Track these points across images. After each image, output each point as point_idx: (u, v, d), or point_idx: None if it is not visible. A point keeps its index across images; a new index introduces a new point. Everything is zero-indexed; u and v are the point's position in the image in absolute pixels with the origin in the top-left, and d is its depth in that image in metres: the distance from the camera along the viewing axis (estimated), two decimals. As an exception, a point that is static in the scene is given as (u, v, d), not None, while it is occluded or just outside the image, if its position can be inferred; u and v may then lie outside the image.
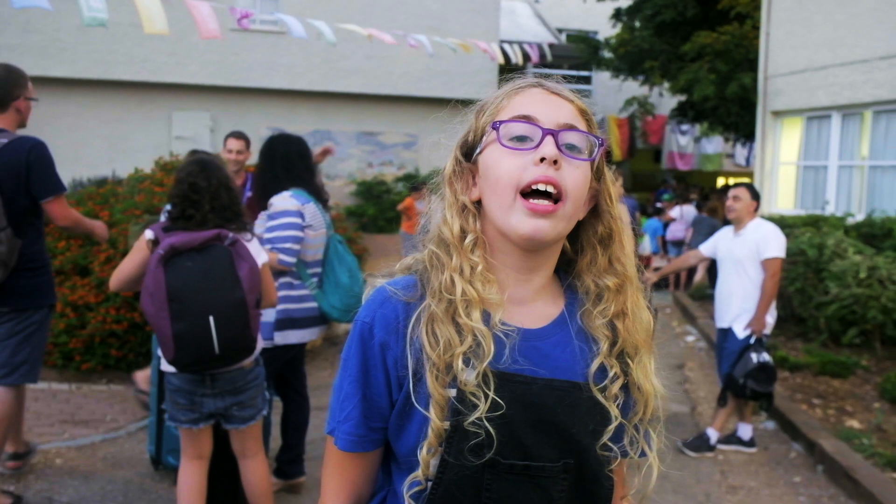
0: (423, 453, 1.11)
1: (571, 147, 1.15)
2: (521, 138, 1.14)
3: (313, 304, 3.93)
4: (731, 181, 22.54)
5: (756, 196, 5.18)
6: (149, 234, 3.03)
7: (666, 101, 18.13)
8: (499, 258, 1.18)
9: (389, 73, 15.09)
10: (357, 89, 15.26)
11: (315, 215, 3.87)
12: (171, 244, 2.86)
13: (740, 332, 5.05)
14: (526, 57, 11.79)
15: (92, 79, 13.96)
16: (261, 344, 3.21)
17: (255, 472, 3.30)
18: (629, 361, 1.20)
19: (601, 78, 19.92)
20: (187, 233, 2.95)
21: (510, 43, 11.48)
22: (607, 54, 16.61)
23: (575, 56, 18.57)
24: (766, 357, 4.94)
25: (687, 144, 20.75)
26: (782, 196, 11.29)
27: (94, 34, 13.66)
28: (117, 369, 6.03)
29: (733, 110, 13.51)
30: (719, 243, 5.33)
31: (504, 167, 1.13)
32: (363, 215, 14.77)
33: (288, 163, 3.92)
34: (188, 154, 4.39)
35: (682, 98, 15.40)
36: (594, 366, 1.17)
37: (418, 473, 1.13)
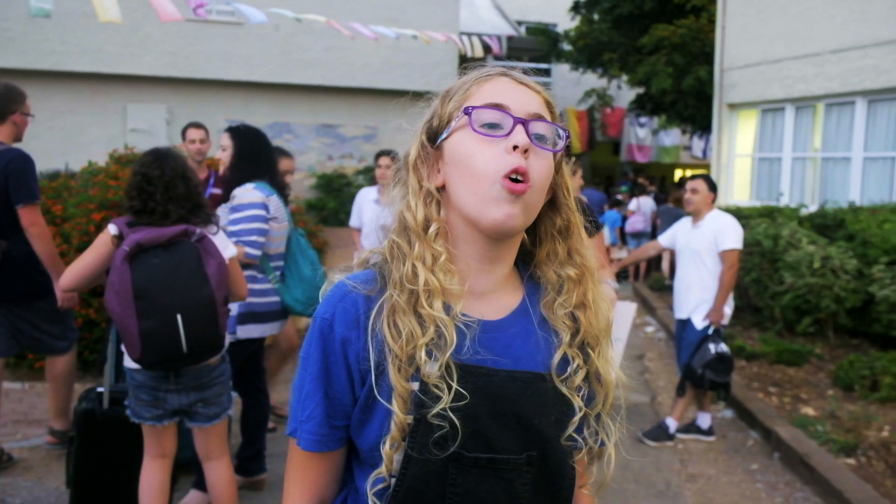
0: (385, 448, 1.09)
1: (540, 137, 1.14)
2: (492, 125, 1.13)
3: (276, 298, 3.90)
4: (689, 173, 22.88)
5: (713, 188, 5.25)
6: (112, 229, 2.94)
7: (624, 93, 18.29)
8: (461, 248, 1.17)
9: (349, 64, 14.96)
10: (316, 81, 15.10)
11: (279, 208, 3.83)
12: (137, 241, 2.78)
13: (699, 322, 5.13)
14: (487, 49, 11.79)
15: (43, 70, 13.58)
16: (227, 340, 3.16)
17: (221, 475, 3.21)
18: (590, 352, 1.20)
19: (560, 70, 20.02)
20: (153, 228, 2.87)
21: (469, 35, 11.46)
22: (566, 47, 16.69)
23: (534, 48, 18.63)
24: (723, 348, 5.02)
25: (645, 137, 20.97)
26: (738, 187, 11.48)
27: (45, 24, 13.29)
28: (72, 367, 5.89)
29: (690, 103, 13.69)
30: (678, 235, 5.40)
31: (479, 154, 1.12)
32: (323, 208, 14.64)
33: (251, 155, 3.86)
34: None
35: (641, 91, 15.55)
36: (557, 356, 1.17)
37: (381, 470, 1.10)
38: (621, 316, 5.00)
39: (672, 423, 5.26)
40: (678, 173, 22.90)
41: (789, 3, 10.19)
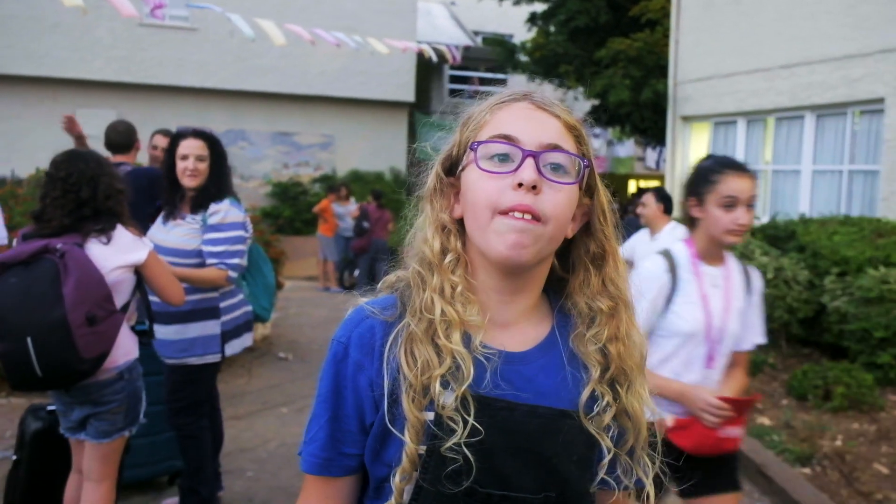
0: (395, 480, 1.06)
1: (556, 167, 1.10)
2: (501, 158, 1.09)
3: (250, 308, 3.83)
4: (643, 183, 23.22)
5: (662, 199, 5.33)
6: (15, 241, 2.86)
7: (580, 104, 18.50)
8: (480, 279, 1.14)
9: (305, 72, 14.85)
10: (272, 88, 14.96)
11: (250, 225, 3.71)
12: (1, 257, 2.70)
13: None
14: (442, 58, 11.80)
15: (-13, 73, 13.23)
16: (120, 361, 2.95)
17: (92, 500, 2.99)
18: (619, 388, 1.15)
19: (517, 80, 20.14)
20: (24, 244, 2.76)
21: (429, 44, 11.46)
22: (523, 58, 16.81)
23: (491, 59, 18.72)
24: None
25: (600, 148, 21.25)
26: (692, 199, 11.66)
27: (-10, 26, 12.95)
28: (18, 382, 5.69)
29: (646, 115, 13.88)
30: (636, 246, 5.45)
31: (481, 190, 1.09)
32: (279, 217, 14.49)
33: (226, 166, 3.67)
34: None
35: (596, 102, 15.72)
36: (585, 393, 1.13)
37: (391, 502, 1.07)
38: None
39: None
40: (632, 184, 23.22)
41: (740, 19, 10.41)
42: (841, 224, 8.01)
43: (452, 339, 1.07)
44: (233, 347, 3.69)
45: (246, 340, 3.80)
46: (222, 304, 3.58)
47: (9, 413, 5.34)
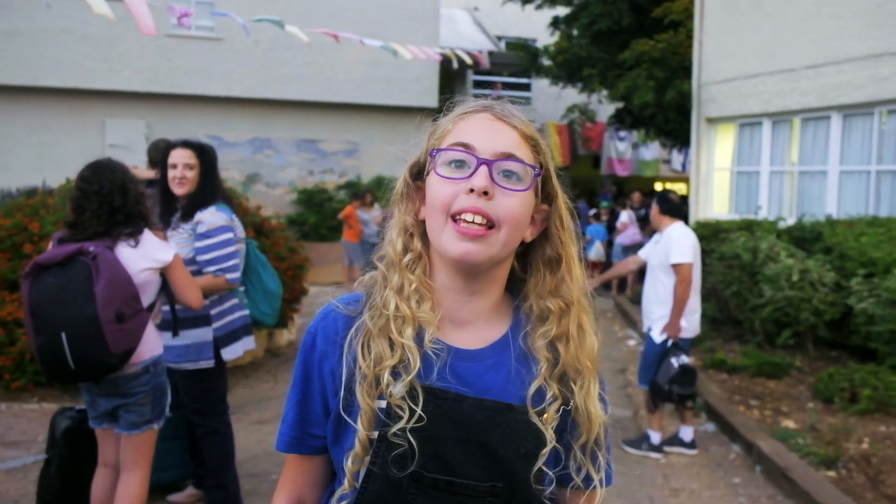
0: (348, 464, 1.15)
1: (509, 175, 1.16)
2: (458, 164, 1.17)
3: (246, 312, 3.90)
4: (669, 186, 23.06)
5: (663, 202, 5.38)
6: (50, 244, 3.05)
7: (605, 107, 18.44)
8: (439, 279, 1.21)
9: (329, 80, 14.97)
10: (296, 96, 15.10)
11: (239, 227, 3.80)
12: (36, 261, 2.92)
13: (657, 336, 5.25)
14: (463, 63, 11.83)
15: (18, 85, 13.49)
16: (145, 356, 3.12)
17: (129, 488, 3.16)
18: (572, 385, 1.20)
19: (541, 85, 20.12)
20: (59, 247, 2.97)
21: (453, 50, 11.51)
22: (546, 62, 16.78)
23: (514, 63, 18.72)
24: (684, 360, 5.11)
25: (625, 150, 21.11)
26: (717, 201, 11.58)
27: (21, 40, 13.22)
28: (49, 387, 5.82)
29: (671, 117, 13.79)
30: (649, 249, 5.54)
31: (438, 193, 1.17)
32: (304, 224, 14.61)
33: (215, 175, 3.79)
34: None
35: (620, 105, 15.66)
36: (532, 388, 1.18)
37: (345, 486, 1.16)
38: None
39: (655, 435, 5.28)
40: (658, 187, 23.07)
41: (764, 20, 10.33)
42: (868, 225, 7.92)
43: (405, 334, 1.15)
44: (231, 352, 3.77)
45: (247, 344, 3.89)
46: (213, 311, 3.67)
47: (41, 418, 5.45)
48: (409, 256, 1.21)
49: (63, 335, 2.85)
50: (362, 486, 1.12)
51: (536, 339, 1.21)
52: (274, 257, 7.05)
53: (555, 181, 1.24)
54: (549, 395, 1.18)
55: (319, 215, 14.84)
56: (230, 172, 13.97)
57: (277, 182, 15.43)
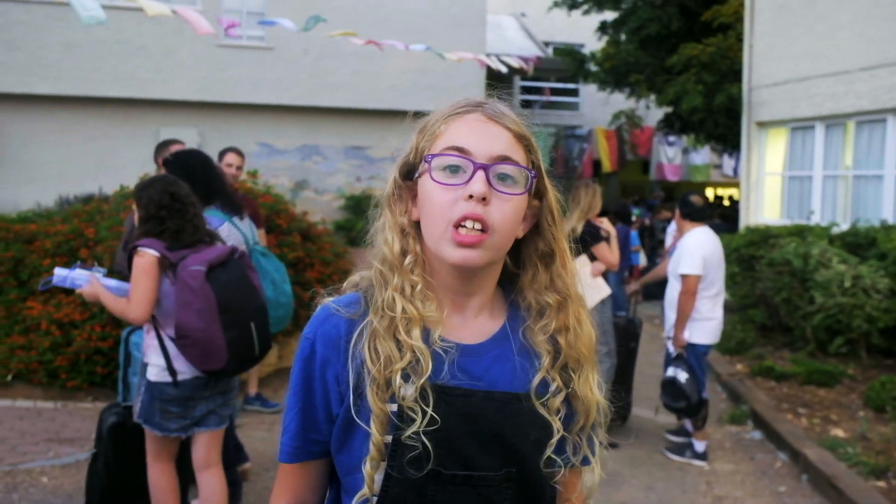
0: (366, 468, 1.14)
1: (504, 178, 1.17)
2: (453, 169, 1.16)
3: None
4: (720, 192, 22.70)
5: (683, 206, 5.36)
6: (153, 252, 3.07)
7: (653, 112, 18.25)
8: (437, 278, 1.22)
9: (376, 87, 15.12)
10: (344, 104, 15.28)
11: (230, 235, 3.84)
12: (209, 260, 3.06)
13: (671, 343, 5.21)
14: (511, 69, 11.83)
15: (77, 95, 13.92)
16: None
17: (217, 483, 3.31)
18: (572, 374, 1.23)
19: (588, 90, 20.02)
20: (205, 248, 3.14)
21: (498, 56, 11.53)
22: (593, 68, 16.70)
23: (562, 69, 18.67)
24: (675, 373, 5.05)
25: (675, 156, 20.85)
26: (768, 206, 11.37)
27: (79, 52, 13.65)
28: (103, 386, 5.99)
29: (721, 121, 13.59)
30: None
31: (436, 201, 1.16)
32: (352, 229, 14.75)
33: (206, 178, 3.81)
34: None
35: (669, 110, 15.49)
36: (536, 380, 1.20)
37: (365, 491, 1.15)
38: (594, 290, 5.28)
39: (700, 444, 5.20)
40: (710, 192, 22.72)
41: (816, 22, 10.13)
42: (925, 230, 7.69)
43: (412, 334, 1.15)
44: None
45: None
46: None
47: (94, 416, 5.61)
48: (409, 258, 1.20)
49: (252, 325, 3.16)
50: (383, 489, 1.13)
51: (537, 334, 1.23)
52: (320, 262, 7.16)
53: (545, 177, 1.25)
54: (553, 386, 1.21)
55: (367, 221, 14.98)
56: (279, 179, 14.20)
57: (326, 188, 15.63)
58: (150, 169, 8.81)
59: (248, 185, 6.83)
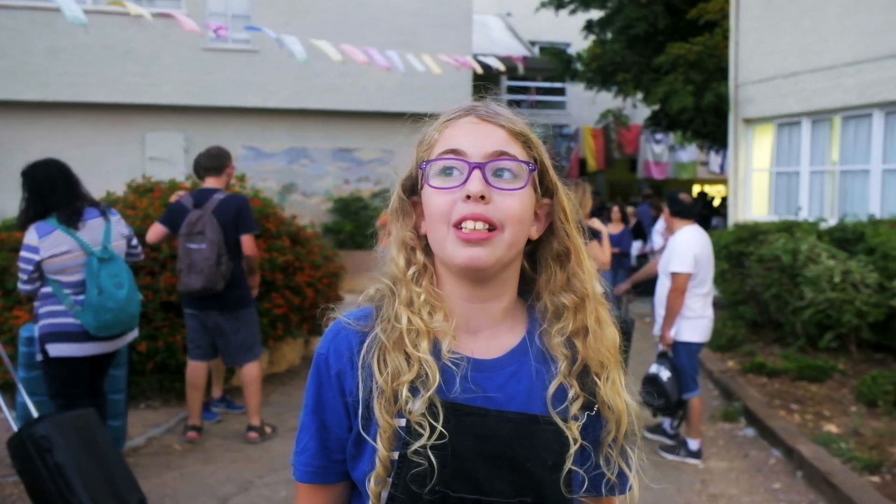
0: (370, 485, 1.10)
1: (502, 173, 1.13)
2: (448, 172, 1.14)
3: (73, 320, 4.08)
4: (706, 189, 22.78)
5: (672, 204, 5.35)
6: None
7: (640, 110, 18.29)
8: (448, 289, 1.18)
9: (363, 89, 15.07)
10: (331, 106, 15.22)
11: (56, 245, 4.02)
12: None
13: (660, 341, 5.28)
14: (497, 69, 11.83)
15: (63, 101, 13.80)
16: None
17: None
18: (596, 380, 1.17)
19: (575, 89, 20.03)
20: None
21: (485, 56, 11.53)
22: (580, 67, 16.71)
23: (548, 69, 18.67)
24: (658, 370, 5.12)
25: (662, 153, 20.90)
26: (756, 202, 11.40)
27: (65, 57, 13.54)
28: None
29: (708, 120, 13.62)
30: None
31: (434, 205, 1.14)
32: (340, 232, 14.71)
33: (37, 195, 4.14)
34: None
35: (656, 108, 15.52)
36: (552, 387, 1.15)
37: None
38: None
39: (693, 442, 5.20)
40: (696, 189, 22.79)
41: (802, 17, 10.16)
42: (912, 224, 7.72)
43: (420, 347, 1.11)
44: (57, 350, 4.06)
45: (78, 349, 4.11)
46: (40, 311, 4.10)
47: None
48: (413, 269, 1.18)
49: None
50: None
51: (553, 337, 1.18)
52: (310, 265, 7.12)
53: (552, 174, 1.21)
54: (570, 393, 1.15)
55: (355, 223, 14.93)
56: (267, 182, 14.14)
57: (314, 191, 15.57)
58: (137, 174, 8.76)
59: (236, 189, 6.79)
